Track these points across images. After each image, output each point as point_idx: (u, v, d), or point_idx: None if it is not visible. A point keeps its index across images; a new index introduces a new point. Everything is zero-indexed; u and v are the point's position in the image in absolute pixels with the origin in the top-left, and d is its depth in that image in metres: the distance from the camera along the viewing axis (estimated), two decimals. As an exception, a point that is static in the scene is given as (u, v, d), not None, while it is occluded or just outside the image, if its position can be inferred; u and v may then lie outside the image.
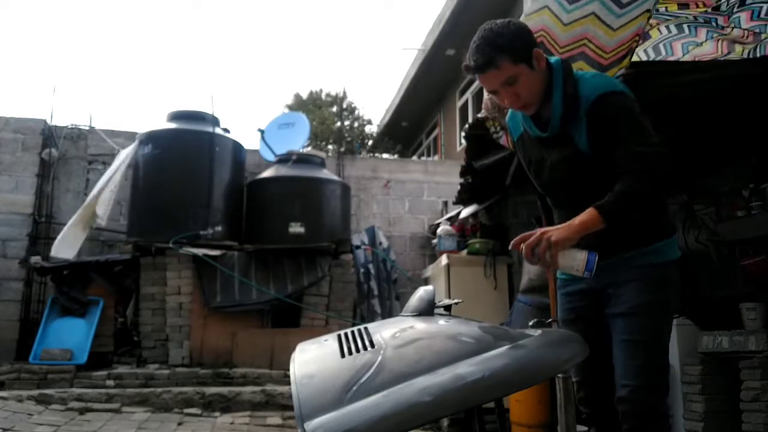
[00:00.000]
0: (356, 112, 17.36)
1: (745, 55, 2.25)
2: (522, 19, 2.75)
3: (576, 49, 2.61)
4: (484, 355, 1.13)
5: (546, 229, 1.65)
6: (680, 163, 2.45)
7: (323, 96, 17.78)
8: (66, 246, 5.54)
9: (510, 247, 1.70)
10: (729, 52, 2.33)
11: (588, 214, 1.60)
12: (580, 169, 1.78)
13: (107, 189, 5.76)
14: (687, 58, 2.49)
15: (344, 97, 17.29)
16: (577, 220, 1.61)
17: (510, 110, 1.97)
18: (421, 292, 1.49)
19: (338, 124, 15.25)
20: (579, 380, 1.90)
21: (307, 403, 1.05)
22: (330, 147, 14.54)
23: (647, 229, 1.76)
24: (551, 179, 1.89)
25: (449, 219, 6.19)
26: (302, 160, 6.63)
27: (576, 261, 1.58)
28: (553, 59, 1.84)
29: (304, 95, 18.02)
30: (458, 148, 10.17)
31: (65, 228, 5.72)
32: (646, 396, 1.68)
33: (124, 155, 6.15)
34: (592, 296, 1.85)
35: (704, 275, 3.35)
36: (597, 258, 1.57)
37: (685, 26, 2.58)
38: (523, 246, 1.66)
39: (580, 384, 1.91)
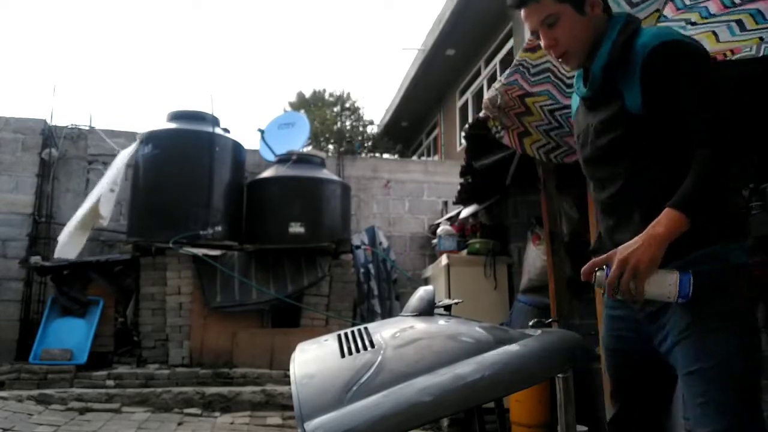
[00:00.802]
0: (359, 112, 17.37)
1: (748, 50, 2.25)
2: None
3: None
4: (484, 355, 1.13)
5: (623, 251, 1.30)
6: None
7: (326, 95, 17.78)
8: (69, 246, 5.53)
9: (582, 278, 1.38)
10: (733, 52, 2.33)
11: (667, 218, 1.29)
12: (627, 134, 1.44)
13: (109, 188, 5.75)
14: None
15: (347, 97, 17.31)
16: (659, 228, 1.28)
17: (574, 83, 1.68)
18: (421, 292, 1.48)
19: (339, 124, 15.26)
20: (619, 404, 1.60)
21: (307, 403, 1.05)
22: (330, 147, 14.54)
23: (705, 228, 1.33)
24: (592, 151, 1.55)
25: (449, 219, 6.19)
26: (302, 160, 6.63)
27: (666, 287, 1.28)
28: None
29: (308, 94, 18.02)
30: (458, 148, 10.17)
31: (67, 228, 5.71)
32: None
33: (125, 155, 6.14)
34: (642, 326, 1.49)
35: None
36: (692, 278, 1.27)
37: (689, 27, 2.58)
38: (596, 275, 1.35)
39: (619, 406, 1.60)
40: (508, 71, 2.81)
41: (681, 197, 1.29)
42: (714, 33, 2.24)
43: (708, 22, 2.20)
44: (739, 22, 2.17)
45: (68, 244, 5.51)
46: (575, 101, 1.71)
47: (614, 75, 1.47)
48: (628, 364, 1.55)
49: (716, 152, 1.29)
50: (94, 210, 5.61)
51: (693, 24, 2.23)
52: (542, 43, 1.53)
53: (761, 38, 2.20)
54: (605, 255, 1.34)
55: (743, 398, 1.29)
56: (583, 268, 1.38)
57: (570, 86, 2.67)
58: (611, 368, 1.61)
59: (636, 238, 1.30)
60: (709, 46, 2.21)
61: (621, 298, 1.32)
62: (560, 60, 1.56)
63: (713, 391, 1.29)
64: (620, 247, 1.32)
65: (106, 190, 5.67)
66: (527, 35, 2.58)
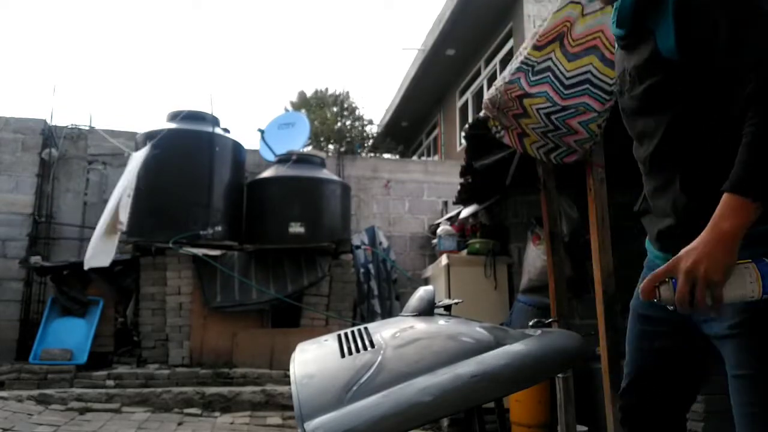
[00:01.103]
0: (357, 112, 17.36)
1: None
2: (551, 13, 2.73)
3: (590, 41, 2.60)
4: (484, 355, 1.13)
5: (686, 260, 1.07)
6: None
7: (327, 95, 17.77)
8: (102, 255, 5.42)
9: (643, 297, 1.14)
10: None
11: (730, 207, 1.04)
12: (664, 82, 1.22)
13: (126, 194, 5.69)
14: None
15: (347, 97, 17.30)
16: (724, 224, 1.04)
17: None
18: (421, 292, 1.48)
19: (339, 124, 15.26)
20: (638, 396, 1.45)
21: (307, 403, 1.05)
22: (330, 147, 14.54)
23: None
24: (628, 100, 1.34)
25: (449, 219, 6.18)
26: (302, 160, 6.63)
27: (747, 285, 1.05)
28: None
29: (309, 94, 18.00)
30: (458, 148, 10.17)
31: (94, 239, 5.59)
32: None
33: (138, 158, 5.99)
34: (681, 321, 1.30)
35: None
36: None
37: None
38: (659, 291, 1.11)
39: (637, 396, 1.45)
40: (512, 68, 2.80)
41: (742, 176, 1.04)
42: None
43: None
44: None
45: (100, 253, 5.42)
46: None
47: (645, 9, 1.24)
48: (657, 350, 1.39)
49: None
50: (115, 216, 5.57)
51: None
52: None
53: None
54: (665, 267, 1.11)
55: None
56: (642, 286, 1.13)
57: (567, 87, 2.67)
58: (635, 353, 1.46)
59: (698, 240, 1.07)
60: None
61: (698, 313, 1.10)
62: None
63: (760, 399, 1.13)
64: (682, 254, 1.08)
65: (123, 196, 5.61)
66: (528, 35, 2.58)
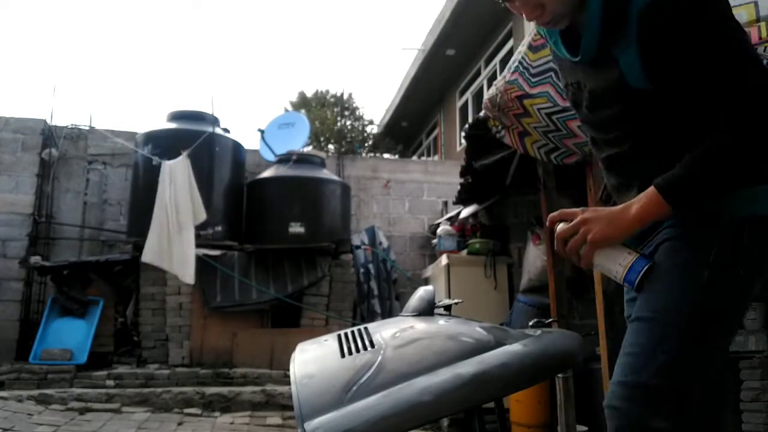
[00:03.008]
0: (357, 112, 17.36)
1: None
2: None
3: None
4: (484, 355, 1.13)
5: (591, 213, 1.17)
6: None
7: (328, 96, 17.76)
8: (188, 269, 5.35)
9: (547, 222, 1.26)
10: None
11: (648, 198, 1.10)
12: (628, 112, 1.19)
13: (194, 194, 5.54)
14: None
15: (349, 98, 17.29)
16: (633, 209, 1.12)
17: None
18: (421, 292, 1.48)
19: (339, 124, 15.25)
20: None
21: (307, 403, 1.05)
22: (330, 147, 14.54)
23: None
24: (589, 119, 1.32)
25: (449, 219, 6.19)
26: (302, 160, 6.63)
27: (616, 264, 1.15)
28: None
29: (309, 94, 18.00)
30: (458, 148, 10.17)
31: (183, 257, 5.40)
32: (630, 402, 1.07)
33: (182, 167, 5.63)
34: None
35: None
36: (647, 267, 1.13)
37: None
38: (557, 228, 1.22)
39: None
40: (511, 68, 2.80)
41: (671, 178, 1.08)
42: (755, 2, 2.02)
43: None
44: None
45: (189, 267, 5.34)
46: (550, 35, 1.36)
47: (606, 35, 1.16)
48: None
49: (738, 137, 1.04)
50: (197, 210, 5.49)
51: None
52: (523, 12, 1.24)
53: None
54: (573, 210, 1.21)
55: (684, 347, 1.07)
56: (551, 215, 1.25)
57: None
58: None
59: (609, 209, 1.16)
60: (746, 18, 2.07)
61: (563, 255, 1.22)
62: (546, 27, 1.28)
63: (645, 339, 1.10)
64: (590, 209, 1.19)
65: (195, 190, 5.50)
66: (527, 35, 2.58)
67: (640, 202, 1.11)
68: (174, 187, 5.53)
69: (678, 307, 1.09)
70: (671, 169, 1.10)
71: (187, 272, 5.30)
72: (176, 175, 5.57)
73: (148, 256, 5.39)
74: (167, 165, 5.63)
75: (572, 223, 1.18)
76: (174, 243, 5.36)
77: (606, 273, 1.19)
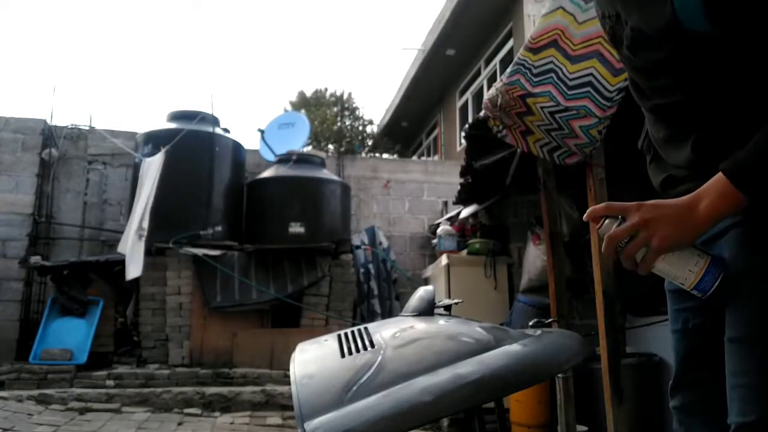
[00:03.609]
0: (357, 112, 17.37)
1: None
2: (538, 19, 2.74)
3: (591, 46, 2.60)
4: (484, 355, 1.13)
5: (651, 212, 0.94)
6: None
7: (327, 96, 17.76)
8: (132, 266, 5.44)
9: (586, 216, 1.03)
10: None
11: (716, 189, 0.89)
12: (681, 55, 0.96)
13: (149, 201, 5.61)
14: None
15: (348, 98, 17.29)
16: (701, 205, 0.90)
17: None
18: (421, 292, 1.48)
19: (339, 124, 15.25)
20: (683, 389, 1.20)
21: (307, 403, 1.05)
22: (330, 147, 14.54)
23: None
24: (631, 62, 1.08)
25: (449, 219, 6.19)
26: (302, 160, 6.63)
27: (686, 270, 0.96)
28: None
29: (309, 94, 18.00)
30: (458, 148, 10.17)
31: (128, 250, 5.55)
32: None
33: (158, 163, 5.78)
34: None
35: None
36: (722, 274, 0.95)
37: None
38: (604, 222, 0.99)
39: (683, 390, 1.20)
40: (509, 70, 2.80)
41: (745, 163, 0.87)
42: None
43: None
44: None
45: (132, 263, 5.43)
46: None
47: None
48: (692, 331, 1.15)
49: None
50: (139, 224, 5.55)
51: None
52: None
53: None
54: (623, 204, 0.97)
55: None
56: (592, 207, 1.01)
57: (571, 88, 2.67)
58: (674, 339, 1.21)
59: (675, 201, 0.94)
60: None
61: (621, 260, 0.99)
62: None
63: (751, 364, 0.91)
64: (649, 204, 0.94)
65: (149, 205, 5.57)
66: (528, 35, 2.58)
67: (709, 197, 0.90)
68: (143, 183, 5.69)
69: None
70: (737, 127, 0.91)
71: (130, 269, 5.38)
72: (150, 172, 5.68)
73: (120, 247, 5.61)
74: (146, 161, 5.76)
75: (629, 224, 0.95)
76: (131, 237, 5.52)
77: (670, 279, 1.00)
